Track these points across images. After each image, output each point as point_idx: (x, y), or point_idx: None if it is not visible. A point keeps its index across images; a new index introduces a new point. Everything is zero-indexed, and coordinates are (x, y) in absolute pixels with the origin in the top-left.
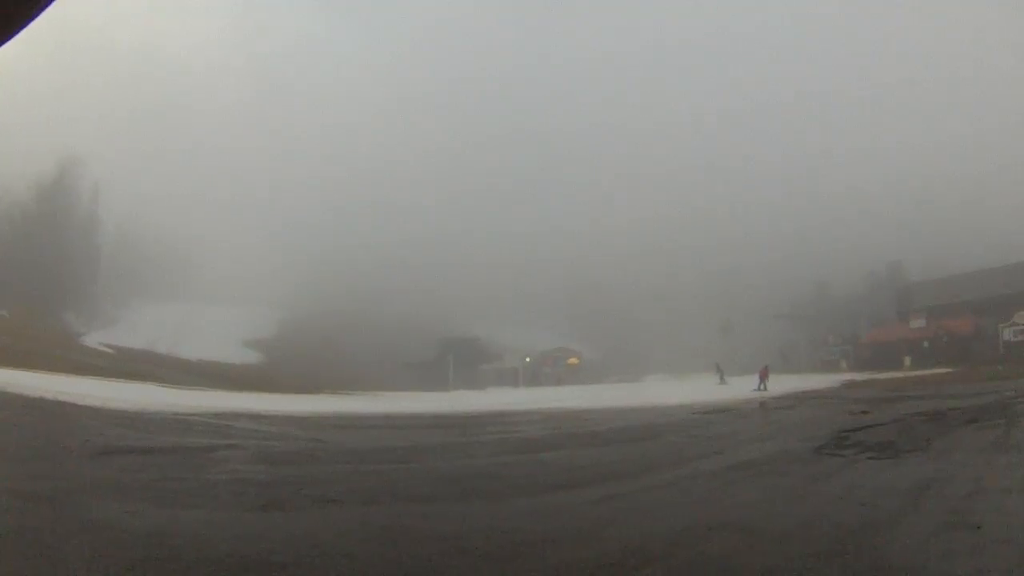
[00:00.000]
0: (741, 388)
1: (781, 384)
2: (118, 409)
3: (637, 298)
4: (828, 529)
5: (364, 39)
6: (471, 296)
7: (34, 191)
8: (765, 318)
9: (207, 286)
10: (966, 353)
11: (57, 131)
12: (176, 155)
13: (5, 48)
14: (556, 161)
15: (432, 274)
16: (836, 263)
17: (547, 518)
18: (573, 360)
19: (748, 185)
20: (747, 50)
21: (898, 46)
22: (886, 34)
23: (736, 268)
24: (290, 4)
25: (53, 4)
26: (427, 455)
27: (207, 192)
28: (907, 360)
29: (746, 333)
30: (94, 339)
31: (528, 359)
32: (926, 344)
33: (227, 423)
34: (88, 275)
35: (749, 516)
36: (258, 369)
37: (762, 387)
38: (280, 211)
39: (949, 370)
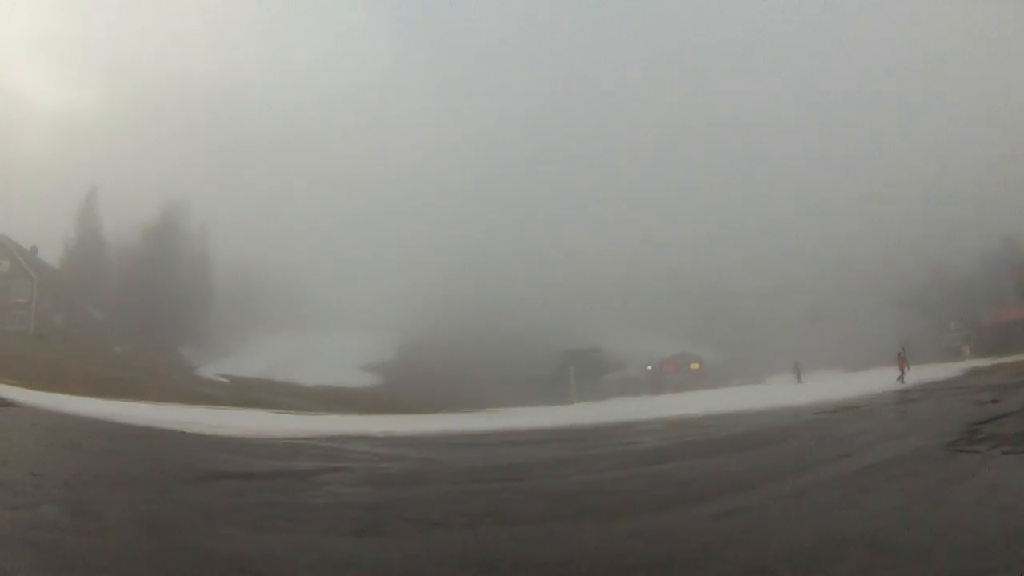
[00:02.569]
0: (864, 384)
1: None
2: (226, 436)
3: (756, 298)
4: (969, 540)
5: (464, 58)
6: (590, 307)
7: (142, 235)
8: (884, 307)
9: (324, 314)
10: None
11: (161, 177)
12: (282, 191)
13: (105, 97)
14: (671, 167)
15: (551, 287)
16: (950, 244)
17: (661, 538)
18: (695, 365)
19: (858, 176)
20: (851, 35)
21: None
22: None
23: (851, 259)
24: (380, 33)
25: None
26: (541, 471)
27: (316, 223)
28: None
29: (864, 324)
30: (210, 370)
31: (650, 367)
32: None
33: (338, 446)
34: (202, 310)
35: (882, 528)
36: (377, 392)
37: (901, 379)
38: (394, 236)
39: None
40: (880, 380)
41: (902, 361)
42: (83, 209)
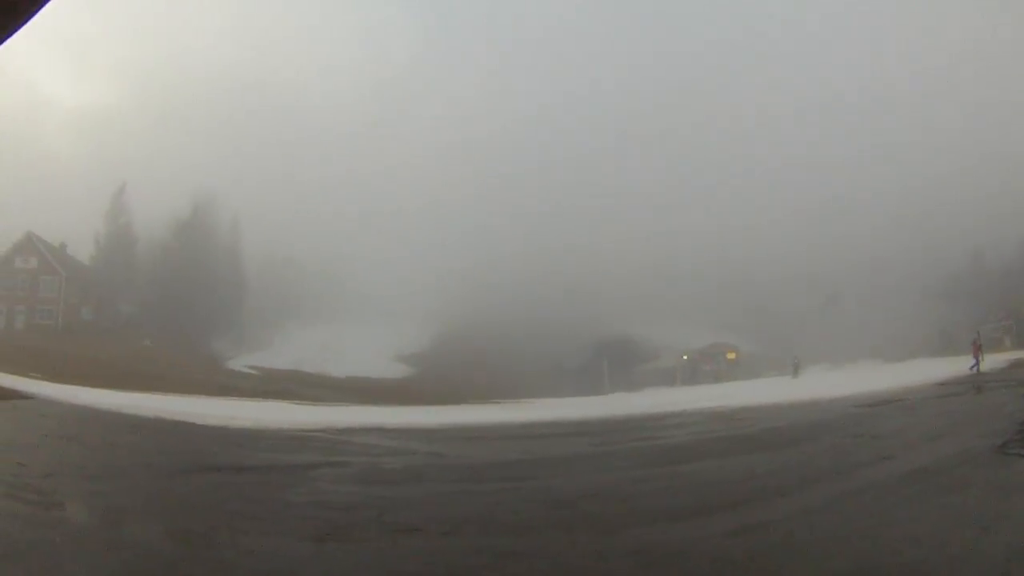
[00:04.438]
0: (896, 377)
1: (942, 368)
2: (237, 428)
3: (792, 287)
4: None
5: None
6: (625, 296)
7: (173, 229)
8: (921, 297)
9: (357, 305)
10: None
11: (188, 168)
12: (314, 181)
13: (132, 90)
14: (702, 157)
15: (585, 277)
16: (989, 231)
17: (660, 559)
18: (731, 355)
19: (895, 162)
20: (889, 16)
21: None
22: None
23: (888, 247)
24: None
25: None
26: (548, 470)
27: (349, 213)
28: None
29: (901, 313)
30: (240, 363)
31: (685, 357)
32: None
33: (346, 439)
34: (234, 302)
35: (931, 551)
36: (407, 382)
37: (976, 367)
38: (427, 225)
39: None
40: (919, 371)
41: (977, 347)
42: (113, 205)
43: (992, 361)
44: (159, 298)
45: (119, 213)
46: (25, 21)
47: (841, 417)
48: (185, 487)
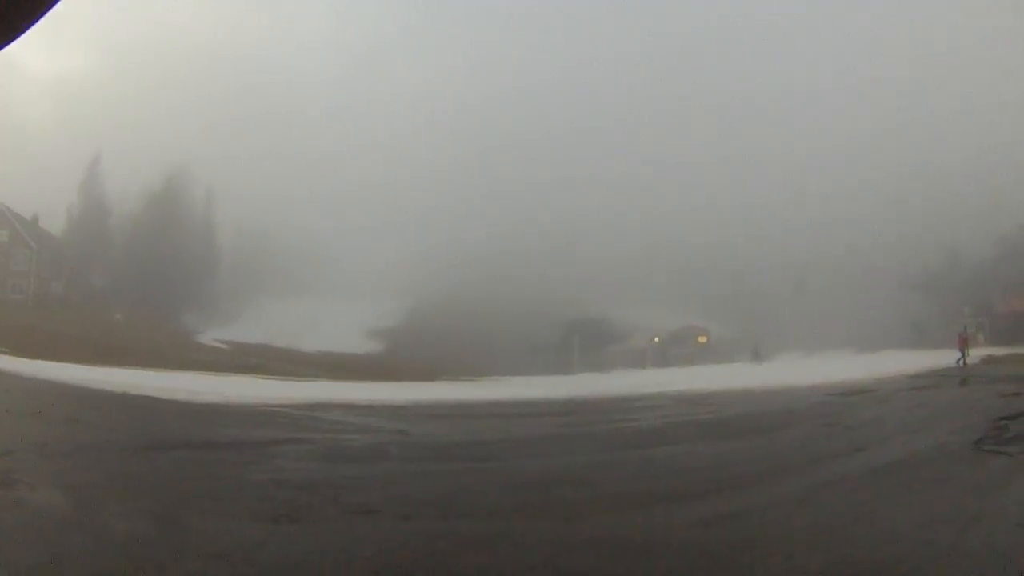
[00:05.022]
0: (868, 367)
1: (914, 360)
2: (203, 403)
3: (766, 273)
4: None
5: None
6: (598, 277)
7: (145, 200)
8: (895, 290)
9: (330, 281)
10: None
11: (163, 141)
12: (290, 156)
13: (106, 62)
14: (676, 137)
15: (559, 256)
16: (965, 228)
17: (630, 547)
18: (702, 338)
19: (873, 155)
20: (864, 13)
21: None
22: None
23: (865, 239)
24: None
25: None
26: (516, 451)
27: (325, 189)
28: None
29: (876, 307)
30: (210, 336)
31: (656, 339)
32: None
33: (312, 414)
34: (207, 276)
35: (903, 558)
36: (378, 358)
37: (962, 361)
38: (402, 202)
39: None
40: (891, 363)
41: (963, 340)
42: (86, 178)
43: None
44: (131, 272)
45: (92, 185)
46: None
47: (814, 405)
48: (143, 465)
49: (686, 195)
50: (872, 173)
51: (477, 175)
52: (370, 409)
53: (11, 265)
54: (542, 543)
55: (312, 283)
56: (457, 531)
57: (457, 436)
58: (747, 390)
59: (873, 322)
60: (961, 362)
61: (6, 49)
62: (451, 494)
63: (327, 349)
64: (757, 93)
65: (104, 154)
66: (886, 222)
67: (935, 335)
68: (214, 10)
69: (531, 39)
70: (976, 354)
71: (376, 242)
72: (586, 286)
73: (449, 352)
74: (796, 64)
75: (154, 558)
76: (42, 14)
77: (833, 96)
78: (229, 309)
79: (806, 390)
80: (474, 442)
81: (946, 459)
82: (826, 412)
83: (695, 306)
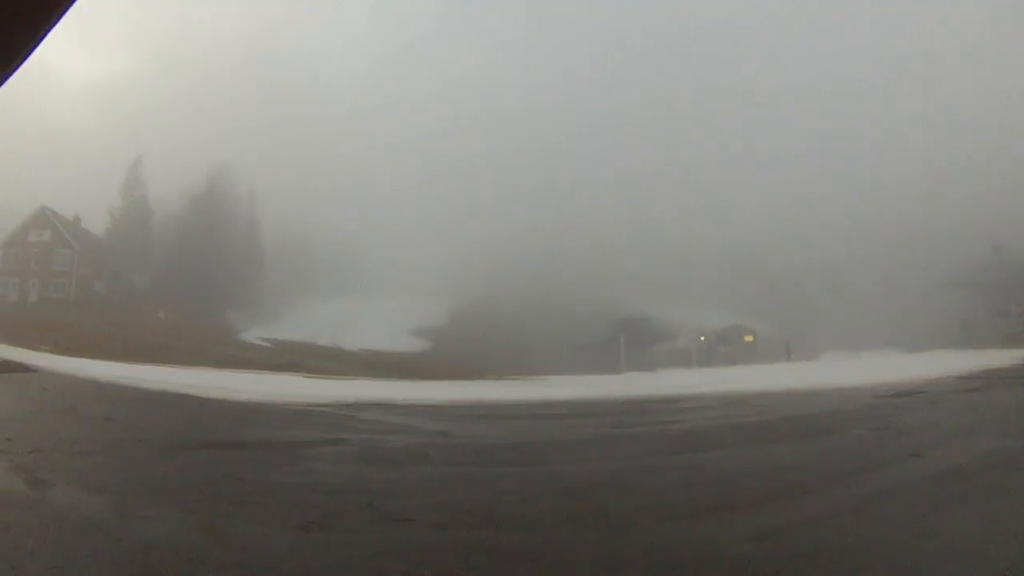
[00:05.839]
0: (915, 368)
1: (961, 360)
2: (241, 401)
3: (811, 272)
4: None
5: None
6: (644, 275)
7: (188, 201)
8: (940, 287)
9: (373, 280)
10: None
11: (206, 143)
12: (332, 156)
13: (146, 65)
14: (720, 136)
15: (604, 254)
16: (1010, 222)
17: (682, 562)
18: (748, 338)
19: (917, 152)
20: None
21: None
22: None
23: (908, 236)
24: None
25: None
26: (560, 454)
27: (367, 188)
28: None
29: (922, 306)
30: (253, 334)
31: (702, 338)
32: None
33: (351, 414)
34: (251, 275)
35: (970, 570)
36: (422, 357)
37: None
38: (444, 200)
39: None
40: (938, 363)
41: None
42: (128, 178)
43: (1011, 357)
44: (173, 271)
45: (135, 186)
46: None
47: (862, 408)
48: (174, 465)
49: (731, 193)
50: (916, 170)
51: (520, 173)
52: (410, 409)
53: (53, 265)
54: (586, 556)
55: (355, 283)
56: (496, 542)
57: (500, 438)
58: (793, 391)
59: (919, 321)
60: None
61: (48, 54)
62: (491, 501)
63: (371, 347)
64: (800, 91)
65: (146, 155)
66: (931, 220)
67: (983, 334)
68: (251, 12)
69: (568, 36)
70: (1020, 354)
71: (418, 240)
72: (632, 284)
73: (492, 350)
74: (836, 60)
75: (171, 566)
76: (63, 12)
77: (874, 93)
78: (272, 307)
79: (853, 391)
80: (517, 444)
81: (1004, 466)
82: (876, 415)
83: (741, 305)
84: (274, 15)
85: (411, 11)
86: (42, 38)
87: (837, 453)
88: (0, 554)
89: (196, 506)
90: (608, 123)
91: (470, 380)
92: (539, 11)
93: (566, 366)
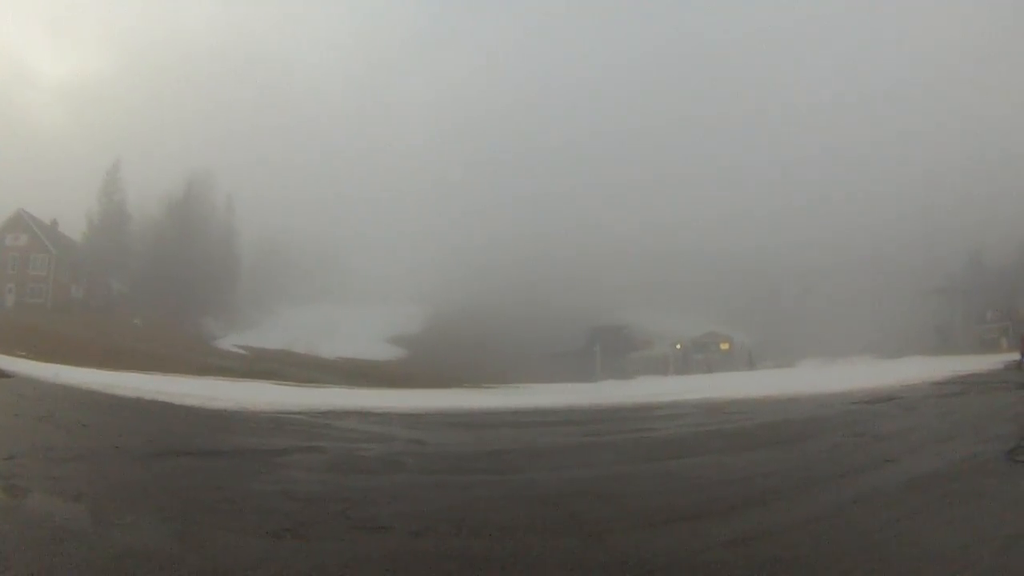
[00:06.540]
0: (892, 374)
1: (938, 366)
2: (217, 409)
3: (787, 280)
4: None
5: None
6: (619, 283)
7: (166, 206)
8: (917, 294)
9: (351, 286)
10: None
11: (185, 149)
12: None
13: (125, 69)
14: (701, 148)
15: (581, 264)
16: (988, 231)
17: (656, 568)
18: (724, 345)
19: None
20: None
21: None
22: None
23: (886, 243)
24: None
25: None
26: (536, 462)
27: (345, 196)
28: None
29: (898, 313)
30: (230, 342)
31: (678, 346)
32: None
33: (328, 422)
34: (227, 282)
35: (953, 574)
36: (399, 365)
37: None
38: (421, 209)
39: None
40: (914, 369)
41: None
42: (107, 183)
43: (987, 362)
44: (150, 277)
45: (112, 191)
46: None
47: (839, 415)
48: (148, 472)
49: (709, 202)
50: (893, 179)
51: (497, 183)
52: (386, 417)
53: (30, 269)
54: (561, 563)
55: (333, 290)
56: (470, 550)
57: (475, 446)
58: (770, 398)
59: (896, 327)
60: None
61: (25, 56)
62: (466, 508)
63: (348, 355)
64: (777, 102)
65: (124, 160)
66: (908, 228)
67: (960, 340)
68: (232, 17)
69: (549, 46)
70: (1000, 359)
71: (396, 249)
72: (608, 293)
73: (472, 359)
74: (816, 72)
75: (146, 572)
76: None
77: (853, 102)
78: (249, 315)
79: (830, 397)
80: (492, 452)
81: (979, 471)
82: (852, 421)
83: (717, 313)
84: (254, 20)
85: (391, 20)
86: None
87: (812, 460)
88: None
89: (171, 513)
90: (584, 136)
91: (447, 388)
92: (516, 23)
93: (543, 374)
